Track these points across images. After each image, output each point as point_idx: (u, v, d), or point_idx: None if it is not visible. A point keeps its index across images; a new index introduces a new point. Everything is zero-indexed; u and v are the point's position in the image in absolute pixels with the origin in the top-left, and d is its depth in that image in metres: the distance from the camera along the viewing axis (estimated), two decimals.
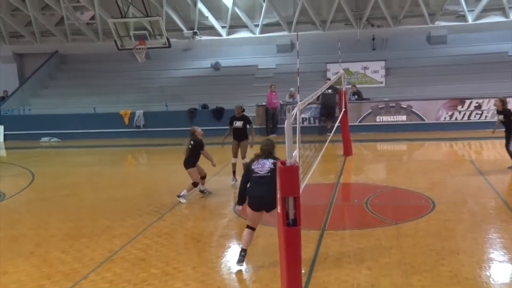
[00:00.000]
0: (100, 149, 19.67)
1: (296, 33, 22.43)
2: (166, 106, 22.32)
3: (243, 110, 12.16)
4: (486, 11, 22.84)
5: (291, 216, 5.52)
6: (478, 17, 22.98)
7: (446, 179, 11.79)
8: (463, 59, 21.94)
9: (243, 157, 11.79)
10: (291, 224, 5.53)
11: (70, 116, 22.38)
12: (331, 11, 23.86)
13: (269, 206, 6.43)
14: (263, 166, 6.60)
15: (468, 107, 19.15)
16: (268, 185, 6.32)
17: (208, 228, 8.74)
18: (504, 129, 12.14)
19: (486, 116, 18.92)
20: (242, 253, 6.80)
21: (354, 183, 12.25)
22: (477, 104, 19.07)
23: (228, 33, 25.58)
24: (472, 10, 22.93)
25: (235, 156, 11.91)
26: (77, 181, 13.41)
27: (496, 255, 6.95)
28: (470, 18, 22.97)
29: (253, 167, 6.69)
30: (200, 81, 24.02)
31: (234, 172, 11.86)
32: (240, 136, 11.91)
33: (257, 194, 6.56)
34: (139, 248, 7.64)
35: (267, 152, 6.80)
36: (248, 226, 6.82)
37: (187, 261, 7.12)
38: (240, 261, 6.78)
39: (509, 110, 12.16)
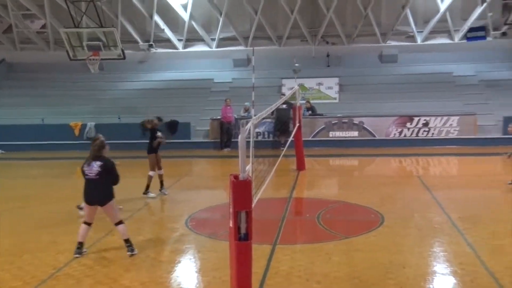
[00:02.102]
0: (49, 161, 19.14)
1: (252, 48, 22.71)
2: (119, 118, 21.98)
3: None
4: (433, 33, 23.78)
5: (242, 231, 5.53)
6: (426, 38, 23.89)
7: (395, 194, 12.10)
8: (412, 78, 22.72)
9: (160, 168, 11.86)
10: (243, 239, 5.53)
11: (17, 127, 21.68)
12: (287, 27, 24.27)
13: (101, 202, 7.49)
14: (91, 169, 7.40)
15: (417, 124, 19.78)
16: (97, 187, 7.36)
17: (159, 242, 8.63)
18: None
19: (433, 134, 19.59)
20: (78, 246, 7.65)
21: (307, 197, 12.40)
22: (424, 121, 19.73)
23: (185, 46, 25.58)
24: (421, 32, 23.82)
25: (154, 169, 11.80)
26: (25, 193, 12.98)
27: (440, 268, 7.18)
28: (419, 39, 23.85)
29: (84, 169, 7.48)
30: (155, 94, 23.84)
31: (148, 186, 11.74)
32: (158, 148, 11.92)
33: (89, 194, 7.50)
34: (85, 264, 7.42)
35: (95, 153, 7.46)
36: (84, 222, 7.67)
37: (136, 277, 6.99)
38: (76, 252, 7.61)
39: None
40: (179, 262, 7.68)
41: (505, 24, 21.95)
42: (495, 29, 23.03)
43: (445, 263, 7.37)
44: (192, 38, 25.47)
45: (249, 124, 6.17)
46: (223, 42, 25.38)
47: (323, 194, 12.54)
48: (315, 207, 10.76)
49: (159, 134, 11.91)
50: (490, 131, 19.58)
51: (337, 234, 8.70)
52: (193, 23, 24.79)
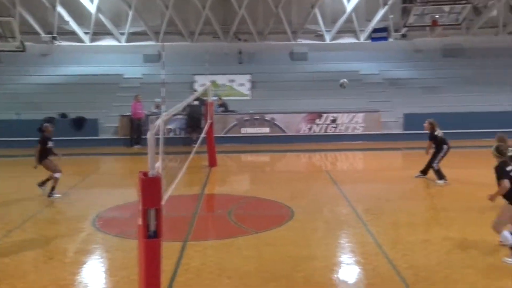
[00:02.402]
0: None
1: (162, 43, 22.33)
2: (18, 114, 20.65)
3: None
4: (341, 32, 24.69)
5: (152, 228, 5.42)
6: (334, 38, 24.76)
7: (305, 188, 12.43)
8: (322, 76, 23.40)
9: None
10: (152, 236, 5.43)
11: None
12: (199, 23, 24.12)
13: None
14: None
15: (325, 120, 20.46)
16: None
17: (63, 244, 8.23)
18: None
19: (340, 130, 20.35)
20: None
21: (218, 194, 12.42)
22: (333, 118, 20.45)
23: (92, 40, 24.64)
24: (329, 31, 24.65)
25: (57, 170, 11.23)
26: None
27: (344, 258, 7.50)
28: (327, 38, 24.65)
29: None
30: (60, 89, 22.70)
31: (53, 187, 11.19)
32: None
33: None
34: None
35: None
36: None
37: (37, 280, 6.63)
38: None
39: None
40: (85, 263, 7.39)
41: (404, 26, 23.27)
42: (396, 30, 24.35)
43: (349, 253, 7.70)
44: (100, 32, 24.58)
45: (159, 121, 6.07)
46: (133, 36, 24.73)
47: (235, 190, 12.63)
48: (226, 203, 10.81)
49: (50, 144, 11.16)
50: (392, 127, 20.68)
51: (248, 229, 8.79)
52: (101, 16, 23.93)
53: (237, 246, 7.92)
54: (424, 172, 12.62)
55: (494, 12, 23.68)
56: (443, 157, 12.21)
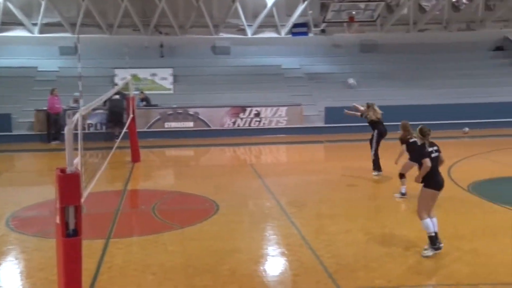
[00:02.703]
0: None
1: (77, 35, 21.44)
2: None
3: None
4: (262, 27, 24.93)
5: (71, 226, 5.25)
6: (256, 32, 24.96)
7: (229, 182, 12.47)
8: (244, 70, 23.54)
9: None
10: (71, 235, 5.25)
11: None
12: (117, 15, 23.41)
13: None
14: None
15: (249, 114, 20.60)
16: None
17: None
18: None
19: (264, 123, 20.59)
20: None
21: (142, 189, 12.19)
22: (256, 112, 20.63)
23: (0, 30, 23.19)
24: (251, 25, 24.81)
25: None
26: None
27: (270, 250, 7.61)
28: (249, 32, 24.80)
29: None
30: None
31: None
32: None
33: None
34: None
35: None
36: None
37: None
38: None
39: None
40: None
41: (323, 22, 23.89)
42: (315, 26, 24.95)
43: (274, 245, 7.83)
44: (9, 22, 23.18)
45: (77, 115, 5.86)
46: (47, 28, 23.55)
47: (159, 185, 12.45)
48: (150, 198, 10.63)
49: None
50: (314, 121, 21.20)
51: (173, 225, 8.70)
52: (9, 4, 22.56)
53: (161, 242, 7.81)
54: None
55: (405, 10, 24.88)
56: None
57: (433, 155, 7.06)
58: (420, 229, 7.29)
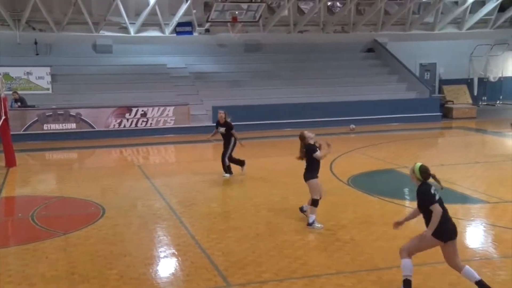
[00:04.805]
0: None
1: None
2: None
3: None
4: (146, 25, 24.38)
5: None
6: (139, 30, 24.35)
7: (116, 185, 12.07)
8: (128, 69, 22.91)
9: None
10: None
11: None
12: None
13: None
14: None
15: (135, 114, 20.09)
16: None
17: None
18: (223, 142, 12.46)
19: (151, 124, 20.22)
20: None
21: (19, 195, 11.42)
22: (143, 112, 20.17)
23: None
24: (134, 23, 24.19)
25: None
26: None
27: (159, 252, 7.51)
28: (132, 31, 24.16)
29: None
30: None
31: None
32: None
33: None
34: None
35: None
36: None
37: None
38: None
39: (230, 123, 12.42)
40: None
41: (207, 21, 23.97)
42: (200, 25, 24.95)
43: (164, 247, 7.74)
44: None
45: None
46: None
47: (38, 190, 11.72)
48: (29, 205, 9.98)
49: None
50: (201, 120, 21.20)
51: (55, 231, 8.26)
52: None
53: (42, 250, 7.39)
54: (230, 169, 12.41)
55: (286, 12, 25.78)
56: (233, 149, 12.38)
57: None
58: (302, 220, 7.58)
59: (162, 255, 7.37)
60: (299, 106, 21.45)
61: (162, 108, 20.43)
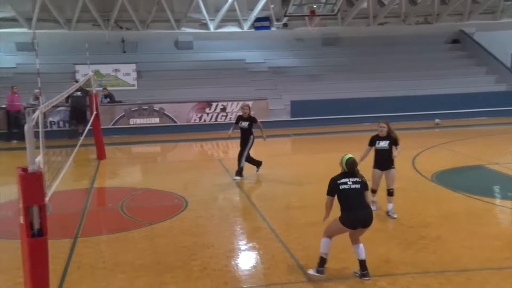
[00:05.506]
0: None
1: (34, 31, 20.84)
2: None
3: None
4: (225, 21, 24.79)
5: (36, 226, 5.13)
6: (218, 26, 24.81)
7: (197, 178, 12.39)
8: (208, 65, 23.39)
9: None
10: (36, 235, 5.13)
11: None
12: (75, 10, 22.84)
13: None
14: None
15: (215, 109, 20.51)
16: None
17: None
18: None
19: (230, 118, 20.52)
20: None
21: (109, 187, 12.02)
22: (222, 107, 20.56)
23: None
24: (213, 20, 24.67)
25: None
26: None
27: (240, 244, 7.63)
28: (211, 27, 24.65)
29: None
30: None
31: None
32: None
33: None
34: None
35: None
36: None
37: None
38: None
39: (255, 118, 11.94)
40: None
41: (285, 16, 23.96)
42: (277, 20, 25.00)
43: (245, 239, 7.85)
44: None
45: (37, 113, 5.72)
46: (2, 23, 22.78)
47: (126, 182, 12.27)
48: (118, 196, 10.48)
49: None
50: (280, 114, 21.27)
51: (142, 222, 8.61)
52: None
53: (131, 239, 7.73)
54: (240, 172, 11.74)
55: (365, 4, 25.21)
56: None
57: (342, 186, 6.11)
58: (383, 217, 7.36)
59: (243, 247, 7.48)
60: (379, 100, 20.93)
61: (241, 103, 20.65)
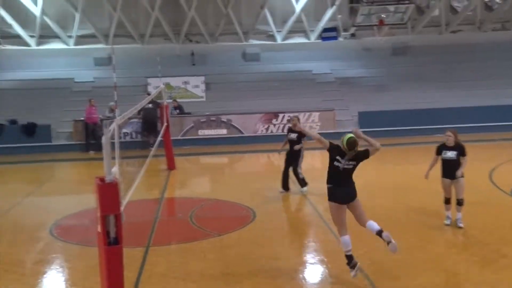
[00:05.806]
0: None
1: (112, 46, 21.87)
2: None
3: None
4: (291, 32, 24.92)
5: (112, 235, 5.33)
6: (285, 38, 24.96)
7: (264, 189, 12.38)
8: (275, 76, 23.54)
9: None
10: (112, 243, 5.32)
11: None
12: (148, 25, 23.76)
13: None
14: None
15: (282, 120, 20.57)
16: None
17: (21, 254, 7.93)
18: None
19: None
20: None
21: (179, 197, 12.30)
22: (289, 118, 20.48)
23: (38, 44, 23.87)
24: (280, 31, 24.83)
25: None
26: None
27: (309, 257, 7.56)
28: (278, 38, 24.82)
29: None
30: (8, 94, 21.89)
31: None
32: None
33: None
34: None
35: None
36: None
37: None
38: None
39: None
40: (45, 273, 7.15)
41: (353, 26, 23.72)
42: (345, 30, 24.80)
43: (313, 252, 7.77)
44: (46, 35, 23.85)
45: (113, 125, 5.96)
46: (82, 39, 24.12)
47: (195, 192, 12.52)
48: (187, 206, 10.69)
49: None
50: (347, 125, 20.99)
51: (211, 232, 8.72)
52: (46, 19, 23.20)
53: (200, 249, 7.85)
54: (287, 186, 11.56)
55: (436, 12, 24.50)
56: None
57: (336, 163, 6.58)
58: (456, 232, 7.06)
59: (311, 260, 7.41)
60: (453, 111, 20.18)
61: (308, 114, 20.64)
